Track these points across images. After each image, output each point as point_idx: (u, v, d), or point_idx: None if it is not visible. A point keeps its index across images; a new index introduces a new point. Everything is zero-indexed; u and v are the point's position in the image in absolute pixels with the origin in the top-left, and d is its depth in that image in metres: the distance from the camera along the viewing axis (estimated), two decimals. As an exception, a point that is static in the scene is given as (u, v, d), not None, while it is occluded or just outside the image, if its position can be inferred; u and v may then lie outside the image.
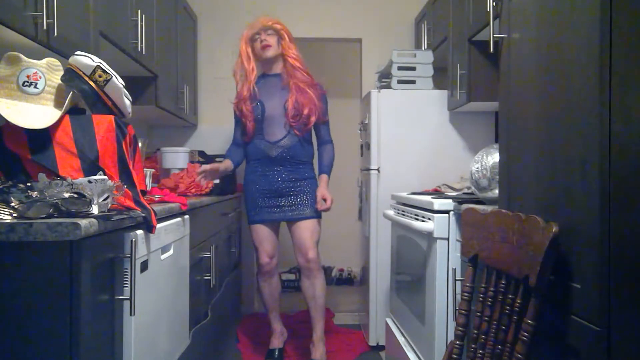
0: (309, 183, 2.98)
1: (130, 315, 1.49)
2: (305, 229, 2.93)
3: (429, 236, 2.25)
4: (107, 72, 1.68)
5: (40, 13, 1.62)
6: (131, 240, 1.49)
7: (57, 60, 1.66)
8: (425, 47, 3.74)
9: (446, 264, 2.18)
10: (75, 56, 1.67)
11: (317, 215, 2.97)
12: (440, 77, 3.45)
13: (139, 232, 1.57)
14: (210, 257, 2.69)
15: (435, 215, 2.21)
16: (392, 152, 3.36)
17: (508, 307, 1.40)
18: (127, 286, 1.48)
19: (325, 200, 2.98)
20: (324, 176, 3.06)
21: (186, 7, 3.81)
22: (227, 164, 2.98)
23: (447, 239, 2.19)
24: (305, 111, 2.89)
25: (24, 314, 1.19)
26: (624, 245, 1.09)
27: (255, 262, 3.12)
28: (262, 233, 3.00)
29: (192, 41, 4.02)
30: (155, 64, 2.99)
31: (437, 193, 2.81)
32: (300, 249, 2.95)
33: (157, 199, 2.13)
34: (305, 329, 3.63)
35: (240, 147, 3.06)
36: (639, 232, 1.06)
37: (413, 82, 3.40)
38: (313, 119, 2.92)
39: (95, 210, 1.35)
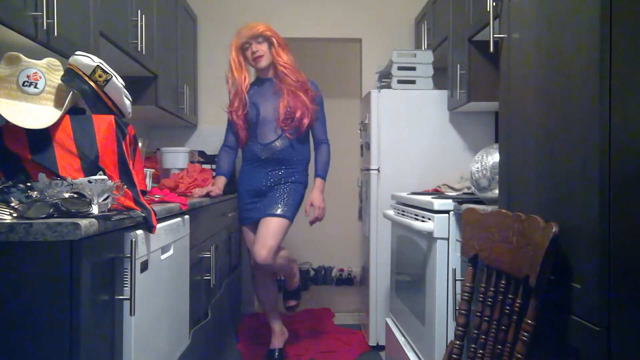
0: (294, 187, 2.93)
1: (130, 315, 1.49)
2: (267, 225, 2.84)
3: (429, 236, 2.25)
4: (107, 72, 1.68)
5: (40, 13, 1.62)
6: (131, 240, 1.49)
7: (57, 60, 1.66)
8: (425, 47, 3.74)
9: (446, 264, 2.18)
10: (75, 56, 1.67)
11: (287, 215, 2.86)
12: (440, 77, 3.45)
13: (139, 232, 1.57)
14: (210, 257, 2.69)
15: (435, 215, 2.21)
16: (392, 152, 3.36)
17: (508, 307, 1.40)
18: (127, 286, 1.49)
19: (313, 206, 2.94)
20: (318, 180, 3.01)
21: (186, 7, 3.81)
22: (222, 181, 2.98)
23: (447, 239, 2.19)
24: (298, 114, 2.87)
25: (24, 314, 1.19)
26: (624, 245, 1.09)
27: (249, 263, 3.11)
28: (251, 234, 2.99)
29: (192, 41, 4.02)
30: (155, 64, 2.99)
31: (437, 193, 2.81)
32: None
33: (157, 199, 2.13)
34: (306, 329, 3.63)
35: (232, 149, 3.06)
36: (639, 232, 1.06)
37: (413, 82, 3.40)
38: (306, 121, 2.90)
39: (95, 210, 1.36)
